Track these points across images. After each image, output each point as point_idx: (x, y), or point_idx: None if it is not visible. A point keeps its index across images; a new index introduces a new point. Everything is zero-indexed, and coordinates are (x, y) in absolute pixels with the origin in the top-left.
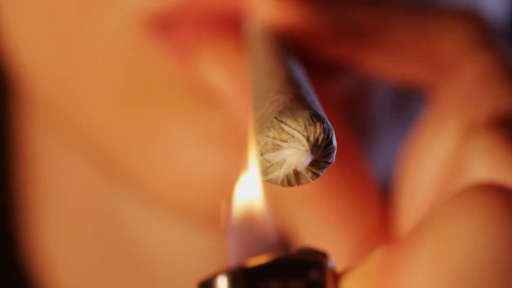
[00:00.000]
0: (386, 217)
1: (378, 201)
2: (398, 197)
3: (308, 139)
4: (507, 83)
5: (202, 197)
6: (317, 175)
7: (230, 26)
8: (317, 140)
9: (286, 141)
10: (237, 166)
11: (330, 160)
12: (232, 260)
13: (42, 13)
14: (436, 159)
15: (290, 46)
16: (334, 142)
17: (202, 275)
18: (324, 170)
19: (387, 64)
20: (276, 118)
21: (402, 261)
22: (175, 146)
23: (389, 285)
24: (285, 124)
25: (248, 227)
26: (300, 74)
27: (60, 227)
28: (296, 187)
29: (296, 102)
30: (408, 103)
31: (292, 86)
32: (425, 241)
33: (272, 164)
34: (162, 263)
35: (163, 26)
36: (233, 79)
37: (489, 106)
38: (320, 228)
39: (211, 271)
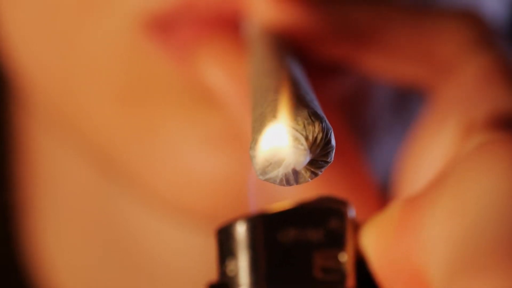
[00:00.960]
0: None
1: (377, 201)
2: (397, 197)
3: (307, 138)
4: (506, 83)
5: (202, 197)
6: (315, 174)
7: (230, 26)
8: (315, 139)
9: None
10: (237, 166)
11: (328, 159)
12: (252, 207)
13: (41, 13)
14: (436, 159)
15: (289, 47)
16: (333, 141)
17: (201, 275)
18: (323, 169)
19: (387, 64)
20: (275, 117)
21: (420, 215)
22: (175, 146)
23: (407, 237)
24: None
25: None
26: (299, 74)
27: (60, 227)
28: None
29: (295, 101)
30: (407, 103)
31: (291, 86)
32: (443, 195)
33: (270, 163)
34: (161, 263)
35: (163, 26)
36: (232, 79)
37: (489, 106)
38: None
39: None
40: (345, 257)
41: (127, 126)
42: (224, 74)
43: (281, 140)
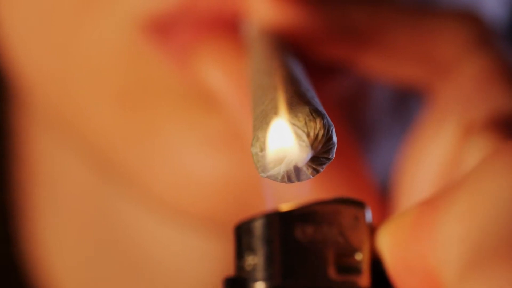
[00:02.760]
0: (385, 218)
1: (377, 202)
2: (397, 198)
3: (308, 135)
4: (505, 84)
5: (200, 199)
6: (317, 171)
7: (228, 28)
8: (317, 135)
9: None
10: (236, 168)
11: (330, 156)
12: (268, 205)
13: (39, 15)
14: (435, 160)
15: (288, 47)
16: (334, 138)
17: (199, 277)
18: (324, 166)
19: (386, 64)
20: (276, 114)
21: (436, 215)
22: (174, 148)
23: (422, 237)
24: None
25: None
26: (300, 72)
27: (58, 227)
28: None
29: (296, 98)
30: (406, 104)
31: (291, 83)
32: (459, 196)
33: (272, 160)
34: (160, 264)
35: (162, 28)
36: (232, 80)
37: (488, 106)
38: None
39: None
40: (361, 256)
41: (126, 128)
42: (223, 75)
43: (282, 137)
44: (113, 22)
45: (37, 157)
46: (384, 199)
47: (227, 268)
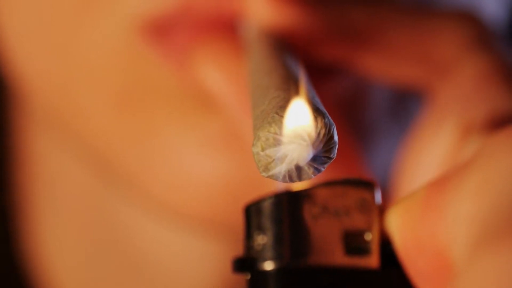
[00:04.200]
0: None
1: None
2: (396, 198)
3: (309, 134)
4: (505, 84)
5: (200, 200)
6: (318, 170)
7: (227, 29)
8: (318, 134)
9: (287, 136)
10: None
11: (331, 155)
12: (279, 185)
13: (39, 15)
14: (434, 160)
15: (287, 48)
16: (336, 137)
17: (199, 279)
18: (326, 166)
19: (385, 65)
20: (277, 114)
21: (446, 195)
22: (173, 149)
23: (432, 216)
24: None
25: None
26: (299, 72)
27: (58, 227)
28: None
29: (296, 97)
30: (405, 104)
31: (291, 83)
32: (468, 176)
33: (273, 160)
34: (160, 264)
35: (160, 29)
36: (231, 82)
37: (487, 107)
38: None
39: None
40: (370, 237)
41: (125, 130)
42: (222, 77)
43: (283, 136)
44: (113, 22)
45: (36, 158)
46: (383, 200)
47: (227, 269)
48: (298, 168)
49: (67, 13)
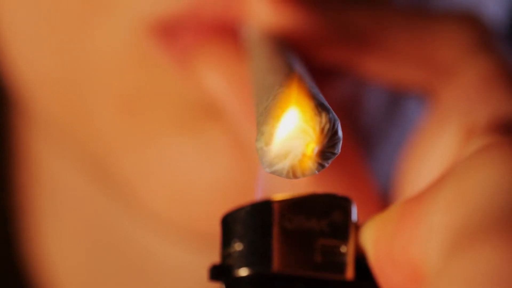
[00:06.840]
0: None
1: (377, 203)
2: (398, 200)
3: (314, 129)
4: (507, 86)
5: (197, 213)
6: (322, 166)
7: (229, 32)
8: (322, 129)
9: (291, 131)
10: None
11: (336, 151)
12: (259, 194)
13: (44, 17)
14: (437, 162)
15: (289, 50)
16: (340, 133)
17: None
18: (330, 161)
19: (386, 67)
20: (281, 109)
21: (420, 209)
22: (174, 154)
23: (405, 231)
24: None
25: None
26: (302, 70)
27: (59, 229)
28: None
29: (300, 93)
30: (404, 108)
31: (295, 79)
32: (445, 187)
33: (277, 155)
34: (159, 266)
35: (167, 31)
36: (232, 85)
37: (490, 109)
38: None
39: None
40: (345, 249)
41: (126, 134)
42: (224, 80)
43: (287, 132)
44: (120, 25)
45: (37, 161)
46: (385, 203)
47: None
48: (302, 164)
49: (73, 15)
